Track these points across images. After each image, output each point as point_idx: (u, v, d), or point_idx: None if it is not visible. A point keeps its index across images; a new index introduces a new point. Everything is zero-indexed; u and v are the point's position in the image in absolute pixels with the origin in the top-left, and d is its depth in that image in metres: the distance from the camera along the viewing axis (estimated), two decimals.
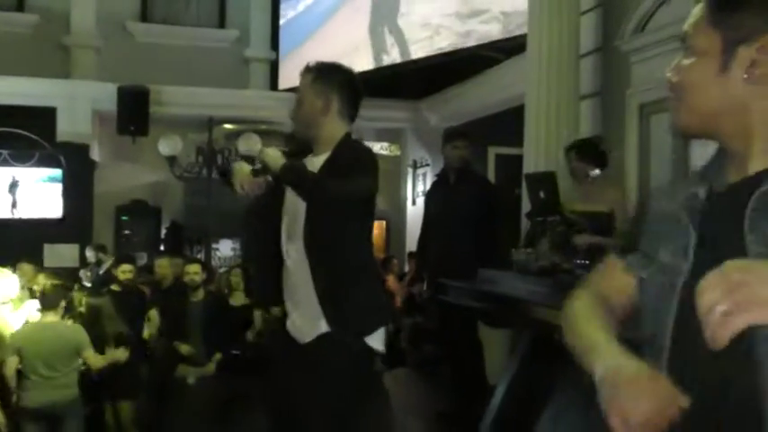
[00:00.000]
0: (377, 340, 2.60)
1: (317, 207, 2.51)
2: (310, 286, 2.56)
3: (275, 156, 2.50)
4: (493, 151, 7.59)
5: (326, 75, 2.65)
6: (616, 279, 1.27)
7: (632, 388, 0.97)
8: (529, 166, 5.30)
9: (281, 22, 10.05)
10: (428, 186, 10.28)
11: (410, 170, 10.52)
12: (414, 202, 10.49)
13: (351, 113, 2.71)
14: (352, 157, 2.57)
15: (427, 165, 10.31)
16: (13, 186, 8.97)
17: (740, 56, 1.07)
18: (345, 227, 2.57)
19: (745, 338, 0.87)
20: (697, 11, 1.12)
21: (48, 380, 4.46)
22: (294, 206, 2.61)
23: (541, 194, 3.76)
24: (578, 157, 4.22)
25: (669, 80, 1.15)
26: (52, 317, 4.54)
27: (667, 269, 1.13)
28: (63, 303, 4.63)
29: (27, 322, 4.67)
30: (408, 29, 8.37)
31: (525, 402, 3.51)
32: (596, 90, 5.57)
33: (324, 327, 2.54)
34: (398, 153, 10.69)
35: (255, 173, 2.54)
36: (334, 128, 2.65)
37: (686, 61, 1.13)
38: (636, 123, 5.10)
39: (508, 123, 6.91)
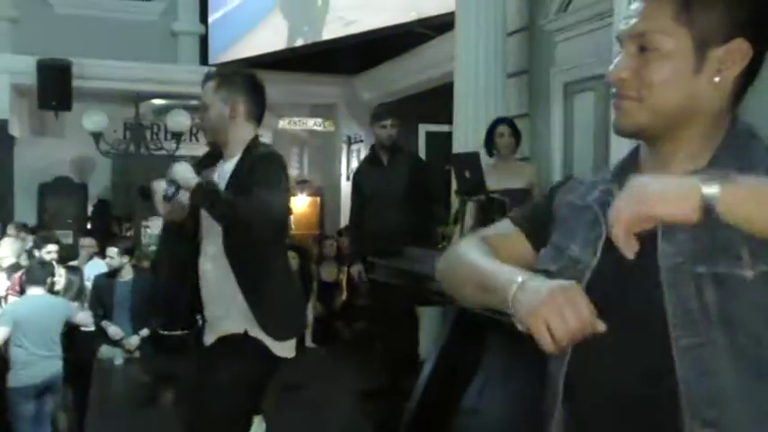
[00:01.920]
0: (288, 348, 2.67)
1: (230, 227, 2.52)
2: (224, 288, 2.60)
3: (185, 175, 2.47)
4: (423, 128, 7.62)
5: (230, 80, 2.69)
6: (515, 243, 1.26)
7: (554, 306, 0.96)
8: (458, 144, 5.35)
9: (213, 14, 9.78)
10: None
11: (344, 146, 10.49)
12: (348, 178, 10.46)
13: (257, 115, 2.73)
14: (262, 165, 2.57)
15: (361, 141, 10.29)
16: None
17: (710, 57, 1.05)
18: (261, 234, 2.59)
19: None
20: (649, 8, 1.07)
21: (44, 356, 4.66)
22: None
23: (467, 174, 3.81)
24: (513, 131, 4.33)
25: (616, 77, 1.09)
26: (39, 291, 4.71)
27: (576, 263, 1.13)
28: (50, 279, 4.79)
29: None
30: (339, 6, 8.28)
31: (452, 377, 3.57)
32: (523, 69, 5.65)
33: (233, 328, 2.59)
34: (332, 129, 10.65)
35: (166, 198, 2.50)
36: (242, 131, 2.67)
37: (654, 61, 1.06)
38: (560, 102, 5.20)
39: (439, 101, 6.94)
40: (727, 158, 1.05)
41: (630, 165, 1.16)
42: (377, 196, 4.89)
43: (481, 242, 1.25)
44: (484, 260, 1.17)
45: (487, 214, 3.55)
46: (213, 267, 2.65)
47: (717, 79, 1.05)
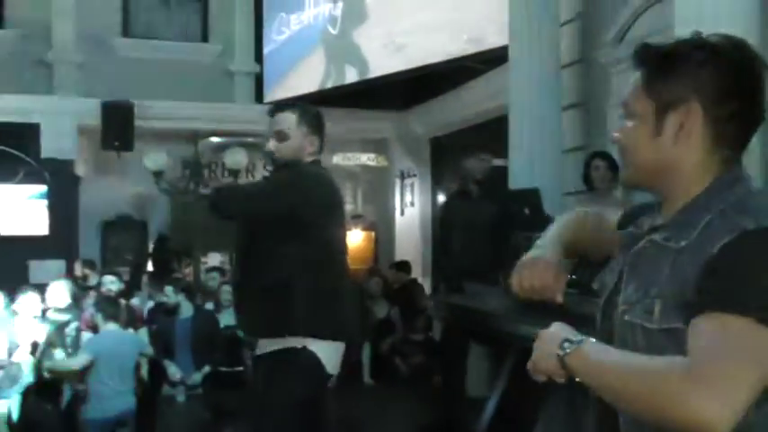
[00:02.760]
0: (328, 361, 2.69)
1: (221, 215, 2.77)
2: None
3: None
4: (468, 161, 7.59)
5: (308, 114, 2.85)
6: (606, 234, 1.46)
7: (530, 266, 1.37)
8: (513, 178, 5.33)
9: (267, 50, 10.03)
10: (416, 196, 10.35)
11: (398, 180, 10.53)
12: (402, 213, 10.50)
13: (319, 153, 2.91)
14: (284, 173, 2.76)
15: (414, 175, 10.33)
16: None
17: (670, 120, 1.19)
18: (272, 247, 2.67)
19: None
20: (635, 80, 1.23)
21: (119, 390, 4.80)
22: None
23: (526, 211, 3.76)
24: (609, 164, 4.19)
25: (613, 139, 1.29)
26: (112, 326, 4.89)
27: (604, 285, 1.36)
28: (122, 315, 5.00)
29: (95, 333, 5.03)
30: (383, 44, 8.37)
31: (514, 419, 3.51)
32: (578, 101, 5.61)
33: (290, 342, 2.67)
34: (386, 164, 10.71)
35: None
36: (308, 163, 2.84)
37: (628, 124, 1.25)
38: None
39: (493, 134, 6.94)
40: (693, 208, 1.18)
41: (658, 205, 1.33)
42: (466, 229, 4.86)
43: (580, 214, 1.55)
44: (554, 227, 1.50)
45: None
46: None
47: (677, 139, 1.19)
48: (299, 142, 2.79)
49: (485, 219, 4.68)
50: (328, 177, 2.89)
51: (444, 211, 5.16)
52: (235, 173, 9.21)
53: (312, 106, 2.96)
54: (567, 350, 1.16)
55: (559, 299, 1.32)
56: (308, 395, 2.64)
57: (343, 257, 2.87)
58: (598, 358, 1.13)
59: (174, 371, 5.31)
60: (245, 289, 2.77)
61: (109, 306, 5.05)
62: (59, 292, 5.58)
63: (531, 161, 5.32)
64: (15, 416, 5.13)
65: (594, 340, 1.18)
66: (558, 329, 1.22)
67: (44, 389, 5.04)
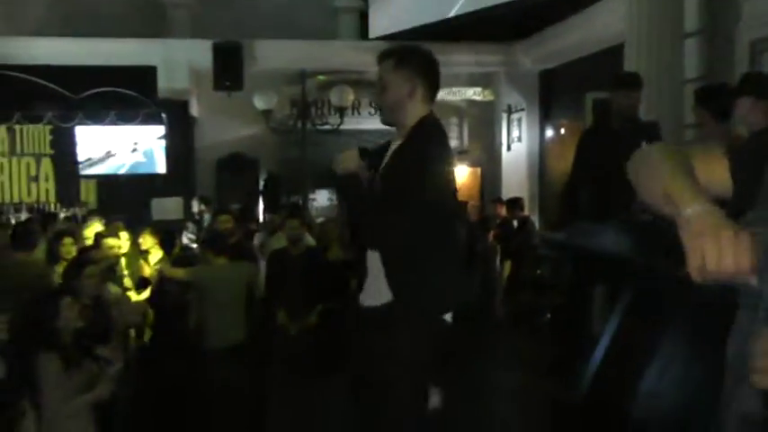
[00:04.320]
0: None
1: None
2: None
3: (349, 159, 2.66)
4: (590, 96, 7.25)
5: (409, 59, 2.65)
6: (714, 167, 1.33)
7: (717, 240, 1.07)
8: None
9: None
10: (524, 131, 10.11)
11: (504, 115, 10.29)
12: (509, 148, 10.29)
13: (433, 95, 2.70)
14: (406, 162, 2.56)
15: (522, 109, 10.07)
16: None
17: None
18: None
19: None
20: None
21: (231, 321, 4.98)
22: None
23: (644, 144, 3.56)
24: (698, 102, 3.89)
25: None
26: (221, 260, 5.13)
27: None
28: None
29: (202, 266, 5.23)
30: None
31: (627, 358, 3.43)
32: (701, 27, 5.23)
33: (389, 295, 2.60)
34: (492, 98, 10.47)
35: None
36: (417, 112, 2.64)
37: None
38: (746, 62, 4.77)
39: (607, 66, 6.62)
40: None
41: None
42: (601, 167, 4.55)
43: (681, 153, 1.33)
44: (677, 170, 1.24)
45: None
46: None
47: None
48: (399, 90, 2.61)
49: (622, 159, 4.33)
50: (445, 144, 2.71)
51: (579, 145, 4.81)
52: (341, 110, 9.33)
53: (417, 46, 2.72)
54: None
55: (754, 281, 1.08)
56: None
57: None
58: None
59: (282, 317, 5.46)
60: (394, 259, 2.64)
61: (216, 242, 5.23)
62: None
63: (649, 93, 5.04)
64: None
65: None
66: None
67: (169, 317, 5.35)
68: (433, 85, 2.68)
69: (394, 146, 2.70)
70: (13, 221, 7.86)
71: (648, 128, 3.91)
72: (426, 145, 2.58)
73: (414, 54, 2.67)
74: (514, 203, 7.75)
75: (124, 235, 5.81)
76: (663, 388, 3.14)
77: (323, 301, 5.54)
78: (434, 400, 3.60)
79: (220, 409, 4.83)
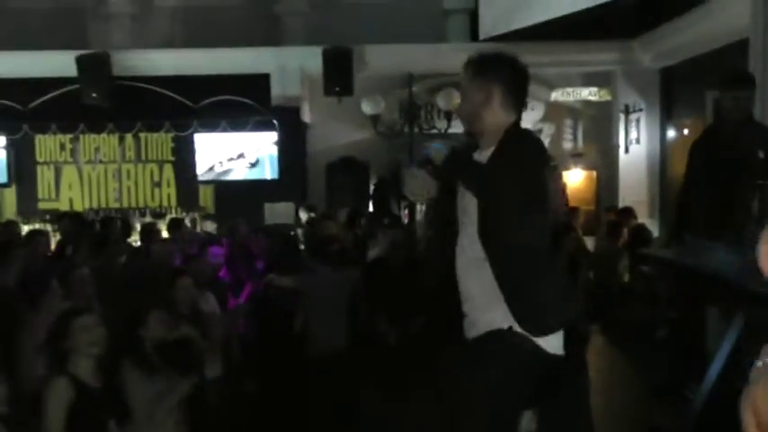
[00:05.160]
0: (553, 343, 2.47)
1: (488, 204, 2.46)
2: (484, 280, 2.48)
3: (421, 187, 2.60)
4: (711, 95, 6.73)
5: (486, 68, 2.53)
6: None
7: None
8: (756, 112, 4.66)
9: None
10: (642, 132, 9.60)
11: (622, 116, 9.82)
12: (627, 150, 9.82)
13: (516, 103, 2.55)
14: (512, 172, 2.40)
15: (641, 110, 9.58)
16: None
17: None
18: (521, 219, 2.42)
19: None
20: None
21: (334, 329, 5.02)
22: (465, 199, 2.55)
23: (761, 154, 3.24)
24: None
25: None
26: (324, 268, 5.17)
27: None
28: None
29: None
30: None
31: (741, 378, 3.14)
32: None
33: (497, 323, 2.45)
34: (609, 98, 10.02)
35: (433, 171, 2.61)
36: (497, 120, 2.52)
37: None
38: None
39: (733, 61, 6.15)
40: None
41: None
42: (712, 174, 4.07)
43: None
44: None
45: None
46: (469, 258, 2.56)
47: None
48: (473, 97, 2.52)
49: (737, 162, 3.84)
50: (541, 149, 2.58)
51: (690, 151, 4.40)
52: (449, 114, 9.21)
53: (501, 53, 2.57)
54: None
55: None
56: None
57: None
58: None
59: (383, 328, 5.42)
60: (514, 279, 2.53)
61: (318, 250, 5.27)
62: None
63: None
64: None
65: None
66: None
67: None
68: (516, 92, 2.54)
69: (482, 155, 2.58)
70: (138, 226, 8.25)
71: (764, 134, 3.53)
72: (522, 149, 2.46)
73: (493, 62, 2.54)
74: (627, 213, 7.37)
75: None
76: None
77: (424, 313, 5.46)
78: (529, 425, 3.44)
79: (316, 417, 4.85)
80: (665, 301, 5.15)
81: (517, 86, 2.55)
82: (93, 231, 6.70)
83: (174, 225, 7.01)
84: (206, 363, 4.31)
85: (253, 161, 9.83)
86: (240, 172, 9.87)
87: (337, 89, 9.33)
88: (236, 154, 9.85)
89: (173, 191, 10.04)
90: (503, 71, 2.52)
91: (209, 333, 4.52)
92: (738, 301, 2.72)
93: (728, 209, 3.76)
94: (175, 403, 3.42)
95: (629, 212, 7.46)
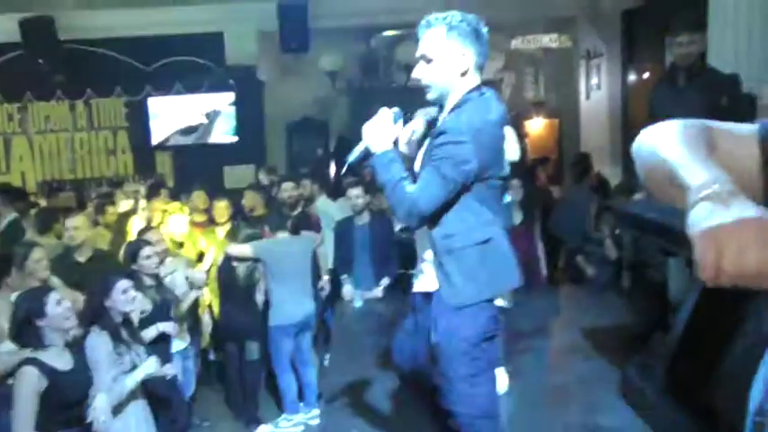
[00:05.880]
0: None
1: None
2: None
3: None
4: (669, 41, 6.64)
5: (458, 27, 2.36)
6: (741, 144, 1.06)
7: (736, 228, 0.82)
8: (714, 58, 4.60)
9: None
10: (604, 78, 9.52)
11: (583, 62, 9.71)
12: (588, 96, 9.74)
13: (483, 65, 2.43)
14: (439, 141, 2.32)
15: (602, 55, 9.47)
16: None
17: None
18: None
19: None
20: None
21: (300, 296, 5.02)
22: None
23: (723, 101, 3.19)
24: None
25: None
26: (284, 234, 5.08)
27: None
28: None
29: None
30: None
31: (709, 339, 3.15)
32: None
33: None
34: (569, 44, 9.89)
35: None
36: (468, 85, 2.39)
37: None
38: None
39: (695, 3, 6.05)
40: None
41: None
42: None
43: (697, 129, 1.05)
44: (688, 147, 0.98)
45: None
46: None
47: None
48: (449, 63, 2.36)
49: (695, 113, 3.87)
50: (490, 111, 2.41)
51: (650, 102, 4.39)
52: (408, 68, 9.00)
53: (465, 15, 2.39)
54: None
55: None
56: None
57: None
58: None
59: (348, 290, 5.36)
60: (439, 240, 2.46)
61: (275, 219, 5.16)
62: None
63: (736, 36, 4.56)
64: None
65: None
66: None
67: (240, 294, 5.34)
68: (483, 55, 2.41)
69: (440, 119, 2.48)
70: (93, 195, 8.02)
71: (725, 82, 3.46)
72: (469, 116, 2.33)
73: (462, 23, 2.37)
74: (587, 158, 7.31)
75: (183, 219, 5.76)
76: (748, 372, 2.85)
77: (389, 274, 5.40)
78: (503, 381, 3.41)
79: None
80: (630, 249, 5.15)
81: (484, 48, 2.42)
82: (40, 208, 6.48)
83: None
84: (172, 334, 4.24)
85: (210, 123, 9.58)
86: (198, 135, 9.62)
87: (294, 45, 9.05)
88: (193, 117, 9.58)
89: (129, 158, 9.77)
90: (474, 33, 2.38)
91: (173, 304, 4.44)
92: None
93: None
94: (140, 378, 3.36)
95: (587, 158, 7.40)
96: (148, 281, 4.28)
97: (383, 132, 2.39)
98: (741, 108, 3.16)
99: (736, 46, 4.64)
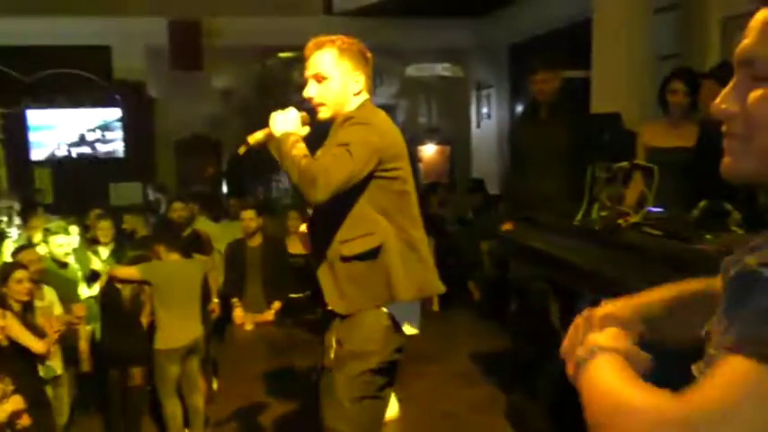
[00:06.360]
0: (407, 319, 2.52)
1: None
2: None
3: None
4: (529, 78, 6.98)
5: (350, 50, 2.42)
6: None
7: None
8: (597, 93, 4.86)
9: None
10: (493, 108, 9.86)
11: (474, 92, 10.04)
12: (479, 125, 10.06)
13: (371, 87, 2.51)
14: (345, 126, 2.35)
15: (491, 86, 9.82)
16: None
17: None
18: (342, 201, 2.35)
19: None
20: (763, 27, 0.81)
21: (186, 319, 4.74)
22: None
23: (606, 137, 3.35)
24: (689, 90, 3.55)
25: (723, 110, 0.85)
26: (174, 256, 4.81)
27: None
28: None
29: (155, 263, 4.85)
30: None
31: None
32: (673, 1, 5.01)
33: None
34: (461, 74, 10.20)
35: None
36: (356, 104, 2.46)
37: (755, 90, 0.82)
38: (718, 40, 4.55)
39: (577, 40, 6.38)
40: None
41: None
42: (533, 155, 4.29)
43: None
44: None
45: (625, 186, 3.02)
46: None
47: None
48: (343, 83, 2.41)
49: (557, 144, 4.11)
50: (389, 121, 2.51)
51: (512, 134, 4.67)
52: (303, 89, 8.98)
53: (352, 39, 2.48)
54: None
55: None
56: None
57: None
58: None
59: (239, 315, 5.25)
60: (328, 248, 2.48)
61: (167, 236, 4.98)
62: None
63: (618, 71, 4.83)
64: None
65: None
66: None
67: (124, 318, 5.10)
68: (369, 81, 2.49)
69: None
70: None
71: (608, 119, 3.64)
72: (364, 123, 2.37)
73: (353, 45, 2.45)
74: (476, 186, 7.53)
75: (74, 229, 5.53)
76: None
77: (281, 298, 5.32)
78: (393, 406, 3.41)
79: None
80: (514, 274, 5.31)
81: (369, 71, 2.49)
82: None
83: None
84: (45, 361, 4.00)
85: (94, 139, 9.17)
86: (81, 151, 9.18)
87: (185, 63, 8.84)
88: (76, 132, 9.15)
89: (3, 173, 9.17)
90: (364, 56, 2.46)
91: (45, 330, 4.18)
92: (583, 281, 2.79)
93: (565, 191, 3.93)
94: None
95: (479, 184, 7.62)
96: (17, 306, 4.01)
97: (289, 122, 2.37)
98: (622, 143, 3.33)
99: (617, 86, 4.91)
